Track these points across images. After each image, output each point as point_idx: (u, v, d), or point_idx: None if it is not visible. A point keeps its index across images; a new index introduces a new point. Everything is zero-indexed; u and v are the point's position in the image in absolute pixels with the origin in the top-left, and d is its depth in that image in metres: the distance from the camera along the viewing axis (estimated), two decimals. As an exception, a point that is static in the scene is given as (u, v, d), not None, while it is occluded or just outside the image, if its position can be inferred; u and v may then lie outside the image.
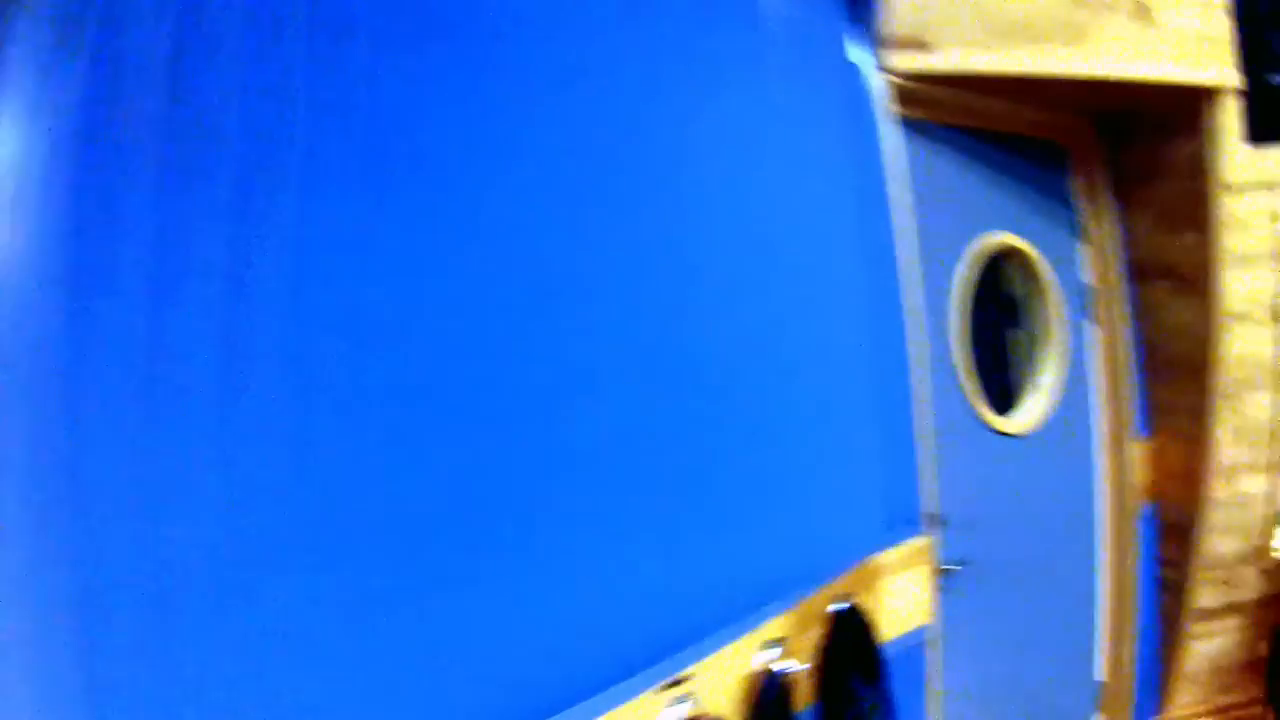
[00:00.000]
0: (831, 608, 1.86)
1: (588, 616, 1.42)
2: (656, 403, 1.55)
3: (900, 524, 2.13)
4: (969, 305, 2.46)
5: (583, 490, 1.43)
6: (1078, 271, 2.88)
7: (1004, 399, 2.72)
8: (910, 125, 2.30)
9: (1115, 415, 2.92)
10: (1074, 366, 2.80)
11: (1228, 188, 2.68)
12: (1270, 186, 2.76)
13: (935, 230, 2.34)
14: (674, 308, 1.61)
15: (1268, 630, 3.17)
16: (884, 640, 1.97)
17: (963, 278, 2.45)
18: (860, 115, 2.12)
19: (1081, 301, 2.87)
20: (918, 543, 2.15)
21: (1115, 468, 2.92)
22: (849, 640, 1.88)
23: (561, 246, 1.44)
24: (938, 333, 2.36)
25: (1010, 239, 2.61)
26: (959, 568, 2.34)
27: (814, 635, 1.80)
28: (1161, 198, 2.82)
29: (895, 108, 2.24)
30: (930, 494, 2.19)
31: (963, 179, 2.49)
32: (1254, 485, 2.97)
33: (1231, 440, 2.86)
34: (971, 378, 2.44)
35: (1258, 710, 3.21)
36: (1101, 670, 2.92)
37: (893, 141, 2.17)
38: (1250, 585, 3.10)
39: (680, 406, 1.59)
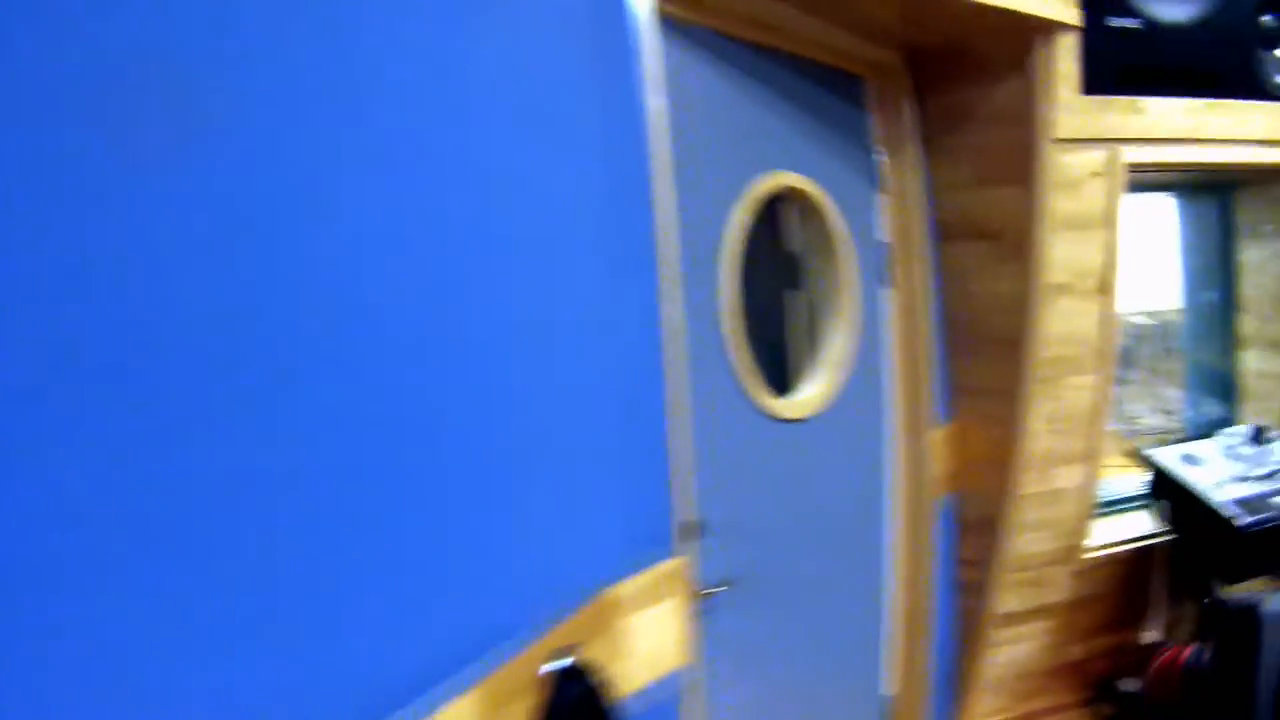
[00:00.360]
0: (546, 668, 1.37)
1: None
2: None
3: (645, 543, 1.64)
4: (739, 262, 2.01)
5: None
6: (874, 227, 2.47)
7: (782, 376, 2.30)
8: (676, 27, 1.82)
9: (911, 396, 2.54)
10: (866, 339, 2.40)
11: (1058, 140, 2.30)
12: (1105, 142, 2.40)
13: (702, 161, 1.87)
14: (333, 304, 1.08)
15: (1080, 633, 2.91)
16: (623, 698, 1.51)
17: (734, 227, 1.99)
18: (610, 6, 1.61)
19: (877, 262, 2.45)
20: (668, 565, 1.67)
21: (910, 457, 2.55)
22: (573, 710, 1.38)
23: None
24: (701, 296, 1.90)
25: (793, 180, 2.16)
26: (723, 589, 1.91)
27: (521, 712, 1.32)
28: (978, 147, 2.42)
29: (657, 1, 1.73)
30: (686, 499, 1.74)
31: (741, 103, 2.03)
32: (1068, 478, 2.66)
33: (1045, 427, 2.53)
34: (742, 352, 2.00)
35: (1068, 715, 2.98)
36: (891, 683, 2.58)
37: (652, 43, 1.66)
38: (1061, 587, 2.81)
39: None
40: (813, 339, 2.35)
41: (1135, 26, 2.43)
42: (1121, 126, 2.42)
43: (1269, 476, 2.75)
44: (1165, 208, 3.30)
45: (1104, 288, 2.45)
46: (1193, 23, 2.55)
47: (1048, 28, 2.25)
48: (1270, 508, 2.64)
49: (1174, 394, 3.41)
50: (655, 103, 1.65)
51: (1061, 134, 2.29)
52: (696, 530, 1.81)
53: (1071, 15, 2.27)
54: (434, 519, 1.22)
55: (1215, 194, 3.29)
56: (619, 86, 1.61)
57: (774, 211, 2.23)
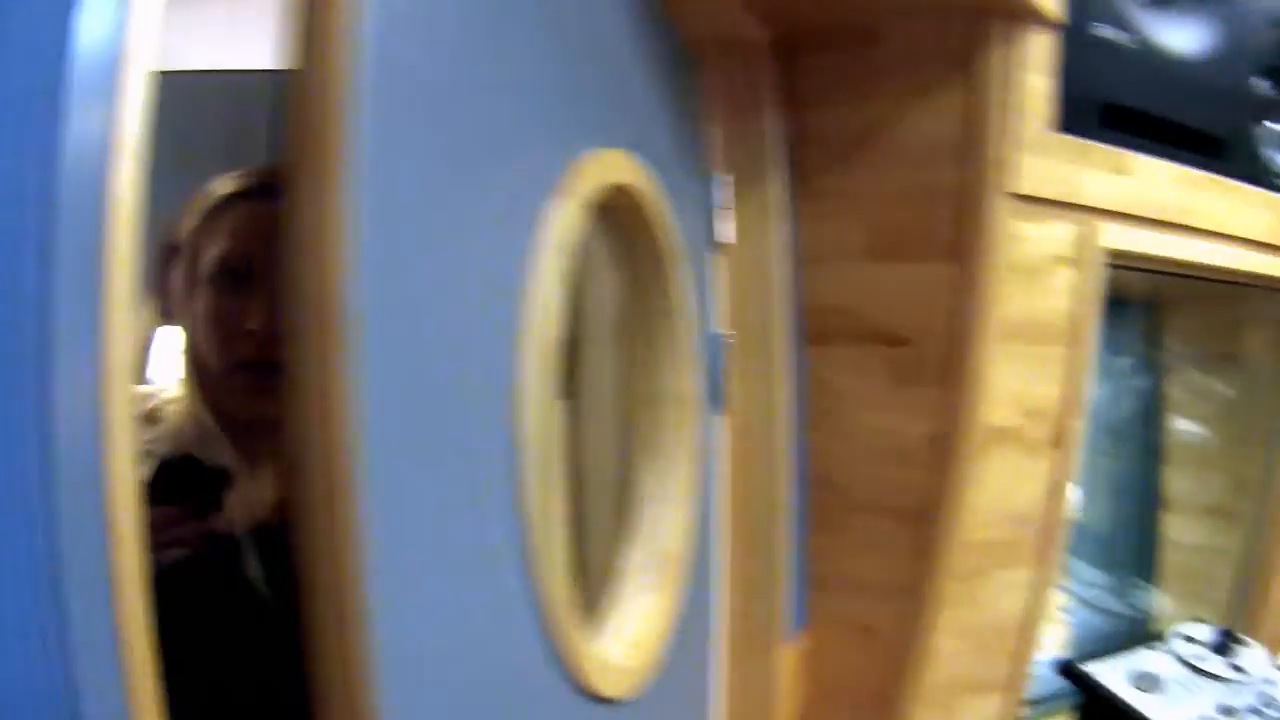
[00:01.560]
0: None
1: None
2: None
3: None
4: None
5: None
6: (708, 307, 1.48)
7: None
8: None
9: (748, 594, 1.54)
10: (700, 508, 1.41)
11: (1016, 196, 1.41)
12: (1079, 211, 1.53)
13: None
14: None
15: None
16: None
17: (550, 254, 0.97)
18: None
19: (712, 368, 1.46)
20: None
21: (742, 694, 1.56)
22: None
23: None
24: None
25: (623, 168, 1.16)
26: None
27: None
28: (881, 195, 1.44)
29: None
30: None
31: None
32: (985, 708, 1.74)
33: (955, 645, 1.61)
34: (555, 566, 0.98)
35: None
36: None
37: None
38: None
39: None
40: (621, 512, 1.33)
41: (1126, 42, 1.59)
42: (1101, 191, 1.56)
43: (1257, 713, 1.89)
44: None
45: (1060, 438, 1.56)
46: (1194, 58, 1.73)
47: (1014, 14, 1.37)
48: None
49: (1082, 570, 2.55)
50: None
51: (1023, 186, 1.40)
52: None
53: (1051, 4, 1.40)
54: None
55: (1127, 310, 2.47)
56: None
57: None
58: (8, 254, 0.56)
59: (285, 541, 1.01)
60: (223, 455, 1.04)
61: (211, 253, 1.03)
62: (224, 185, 1.07)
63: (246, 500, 1.03)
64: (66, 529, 0.57)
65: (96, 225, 0.58)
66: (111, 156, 0.59)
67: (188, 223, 1.06)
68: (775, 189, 1.42)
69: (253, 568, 1.02)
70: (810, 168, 1.43)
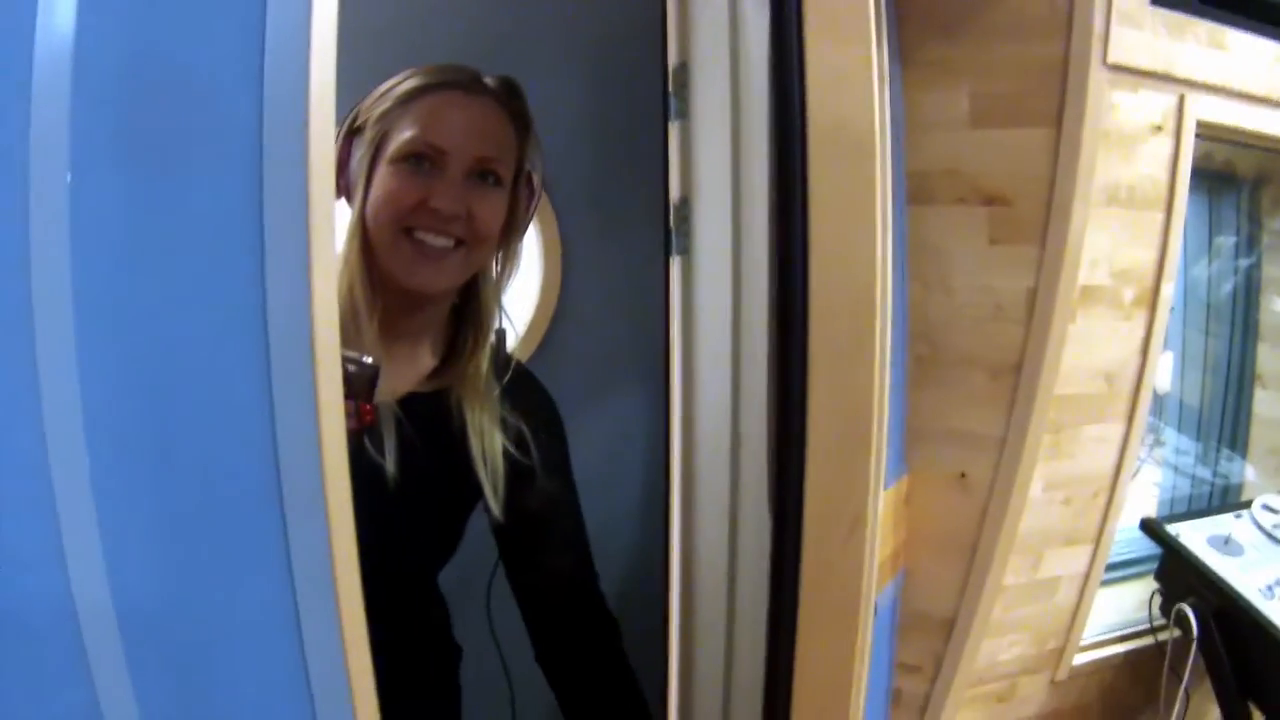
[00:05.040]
0: None
1: None
2: None
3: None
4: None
5: None
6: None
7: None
8: None
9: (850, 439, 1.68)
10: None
11: (1112, 67, 1.48)
12: (1173, 83, 1.59)
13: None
14: None
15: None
16: None
17: None
18: None
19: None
20: None
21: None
22: None
23: None
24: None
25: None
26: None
27: None
28: (981, 66, 1.53)
29: None
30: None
31: None
32: (1066, 564, 1.87)
33: (1044, 495, 1.73)
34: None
35: None
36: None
37: None
38: (1037, 701, 2.03)
39: None
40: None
41: (1228, -84, 1.62)
42: (1196, 65, 1.61)
43: (1329, 580, 1.98)
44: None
45: (1150, 299, 1.64)
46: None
47: (1115, -112, 1.43)
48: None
49: (1173, 438, 2.61)
50: None
51: (1118, 58, 1.47)
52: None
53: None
54: None
55: (1231, 187, 2.46)
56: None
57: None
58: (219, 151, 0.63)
59: (424, 413, 1.10)
60: (370, 334, 1.07)
61: (402, 136, 1.08)
62: (416, 77, 1.12)
63: (392, 370, 1.08)
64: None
65: (301, 111, 0.63)
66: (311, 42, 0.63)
67: (375, 105, 1.11)
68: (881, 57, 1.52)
69: (380, 448, 1.06)
70: (914, 39, 1.52)
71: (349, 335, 0.98)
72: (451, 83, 1.12)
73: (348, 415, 0.95)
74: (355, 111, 1.14)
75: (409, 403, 1.12)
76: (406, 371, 1.15)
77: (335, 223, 0.68)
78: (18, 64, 0.56)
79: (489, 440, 1.14)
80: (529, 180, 1.19)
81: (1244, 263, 2.50)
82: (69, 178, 0.58)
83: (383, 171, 1.09)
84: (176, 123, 0.62)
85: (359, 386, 0.99)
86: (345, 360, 0.97)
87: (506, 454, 1.16)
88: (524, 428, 1.18)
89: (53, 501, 0.58)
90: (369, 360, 1.01)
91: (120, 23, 0.60)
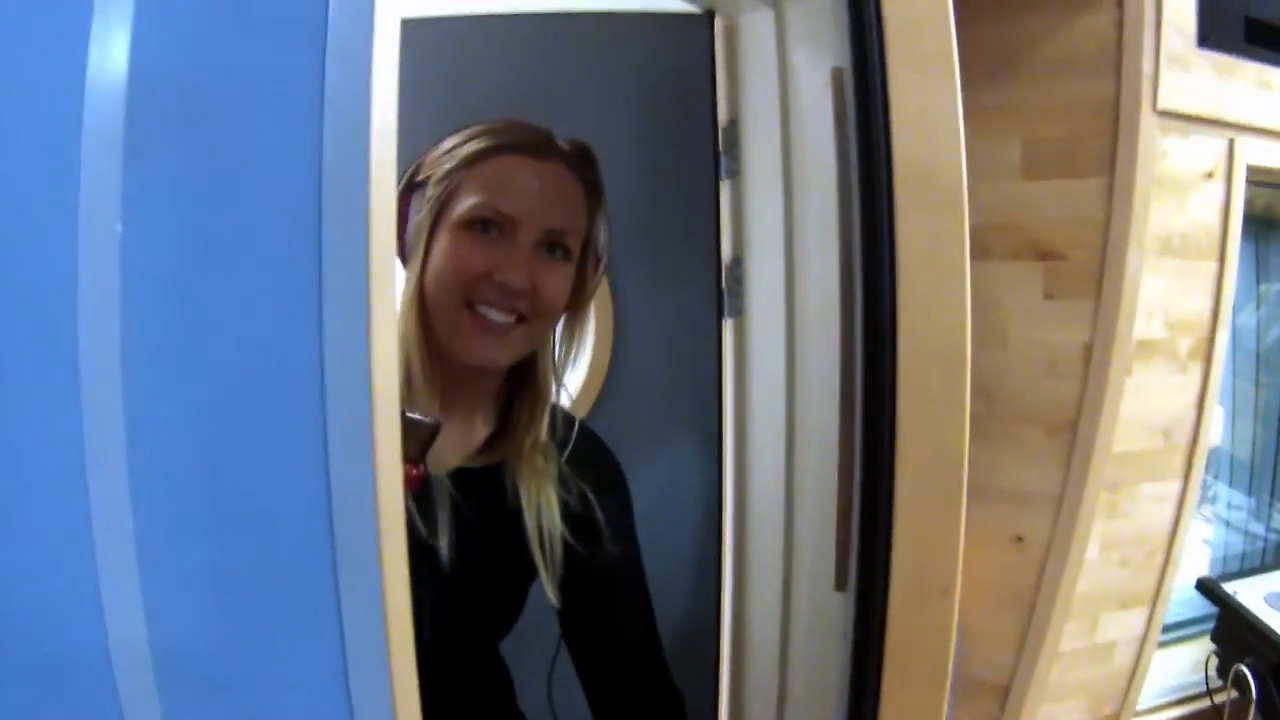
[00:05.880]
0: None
1: None
2: None
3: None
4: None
5: None
6: None
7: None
8: None
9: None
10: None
11: (1161, 113, 1.44)
12: (1223, 127, 1.56)
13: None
14: None
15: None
16: None
17: None
18: None
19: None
20: None
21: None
22: None
23: None
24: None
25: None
26: None
27: None
28: (1033, 110, 1.50)
29: None
30: None
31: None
32: (1122, 628, 1.80)
33: (1101, 556, 1.66)
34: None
35: None
36: None
37: None
38: (1093, 773, 1.94)
39: None
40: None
41: (1271, -42, 1.59)
42: (1245, 107, 1.57)
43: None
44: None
45: (1205, 350, 1.59)
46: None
47: (1160, -68, 1.40)
48: None
49: (1225, 492, 2.54)
50: None
51: (1168, 103, 1.44)
52: None
53: (1195, -80, 1.42)
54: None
55: (1275, 232, 2.41)
56: None
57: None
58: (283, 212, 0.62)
59: (478, 488, 1.05)
60: (426, 403, 1.02)
61: (469, 200, 1.02)
62: (486, 137, 1.05)
63: (444, 444, 1.03)
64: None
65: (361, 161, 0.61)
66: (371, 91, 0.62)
67: (440, 163, 1.05)
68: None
69: (432, 522, 1.01)
70: (965, 84, 1.49)
71: (404, 403, 0.93)
72: (524, 145, 1.05)
73: None
74: (416, 165, 1.07)
75: (460, 476, 1.07)
76: (458, 445, 1.09)
77: (395, 273, 0.65)
78: (69, 96, 0.55)
79: (546, 518, 1.08)
80: (596, 251, 1.12)
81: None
82: (119, 228, 0.57)
83: (445, 237, 1.03)
84: (233, 162, 0.61)
85: (417, 442, 0.95)
86: (404, 415, 0.94)
87: (567, 523, 1.10)
88: (587, 489, 1.12)
89: (93, 551, 0.57)
90: (429, 419, 0.96)
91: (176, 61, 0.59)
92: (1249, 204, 2.00)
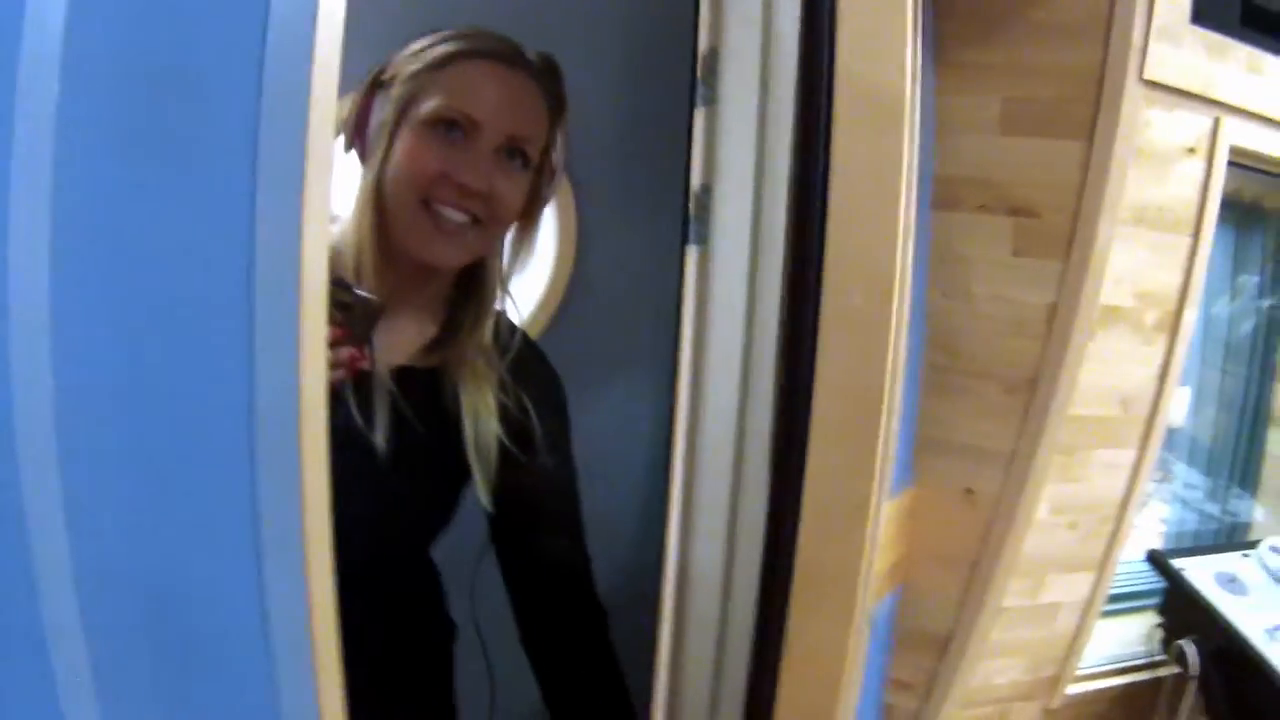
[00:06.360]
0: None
1: None
2: None
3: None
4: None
5: None
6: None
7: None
8: None
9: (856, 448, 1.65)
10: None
11: (1148, 83, 1.45)
12: (1209, 104, 1.57)
13: None
14: None
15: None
16: None
17: None
18: None
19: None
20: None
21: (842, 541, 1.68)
22: None
23: None
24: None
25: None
26: None
27: None
28: (1015, 70, 1.50)
29: None
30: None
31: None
32: (1067, 590, 1.84)
33: (1052, 518, 1.70)
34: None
35: None
36: None
37: None
38: (1027, 730, 2.00)
39: None
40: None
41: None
42: (1233, 89, 1.58)
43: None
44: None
45: (1171, 324, 1.61)
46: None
47: (1162, -99, 1.40)
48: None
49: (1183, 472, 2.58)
50: None
51: (1155, 74, 1.45)
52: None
53: (1199, -107, 1.43)
54: None
55: (1258, 224, 2.43)
56: None
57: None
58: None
59: (419, 388, 1.06)
60: (374, 289, 1.02)
61: (434, 100, 1.03)
62: (456, 41, 1.06)
63: (388, 342, 1.04)
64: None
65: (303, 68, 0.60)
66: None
67: (408, 63, 1.05)
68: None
69: (370, 419, 1.02)
70: (951, 40, 1.50)
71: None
72: (493, 52, 1.07)
73: (337, 364, 0.94)
74: (383, 66, 1.08)
75: (403, 376, 1.09)
76: (403, 344, 1.11)
77: (332, 159, 0.65)
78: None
79: (483, 424, 1.10)
80: (552, 164, 1.14)
81: (1266, 303, 2.48)
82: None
83: (407, 135, 1.04)
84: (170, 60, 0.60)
85: (358, 321, 0.95)
86: (347, 291, 0.95)
87: (503, 426, 1.12)
88: (526, 399, 1.14)
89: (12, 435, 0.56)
90: (371, 296, 0.96)
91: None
92: (1237, 193, 2.02)
